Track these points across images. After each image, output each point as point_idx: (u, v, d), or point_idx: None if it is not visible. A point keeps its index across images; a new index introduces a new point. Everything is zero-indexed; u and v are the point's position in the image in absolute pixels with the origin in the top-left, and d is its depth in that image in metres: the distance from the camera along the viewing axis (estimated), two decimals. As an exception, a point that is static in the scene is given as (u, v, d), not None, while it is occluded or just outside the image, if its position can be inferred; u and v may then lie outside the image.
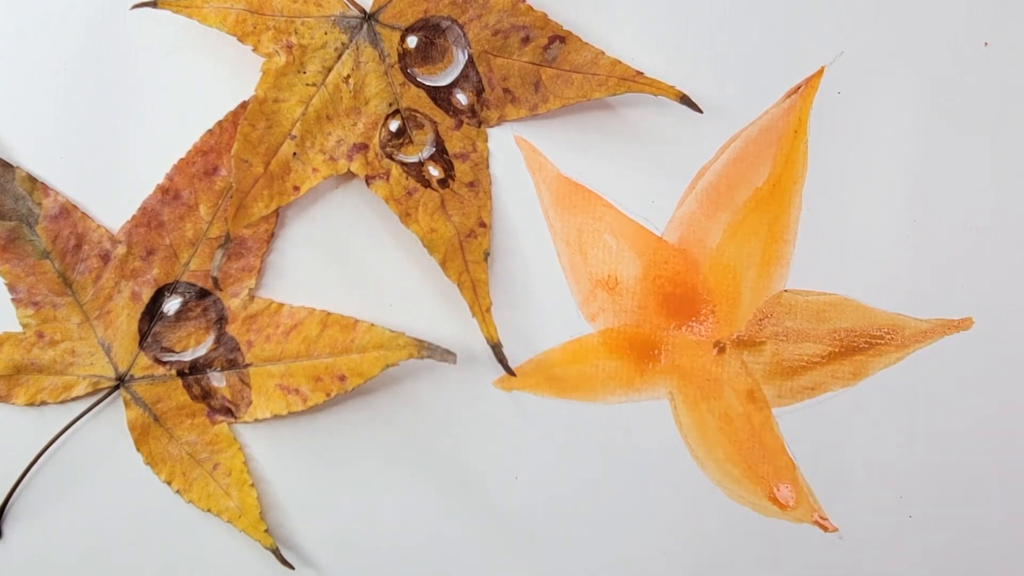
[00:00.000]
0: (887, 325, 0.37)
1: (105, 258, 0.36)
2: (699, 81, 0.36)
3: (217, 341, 0.36)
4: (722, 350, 0.37)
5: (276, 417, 0.36)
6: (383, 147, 0.36)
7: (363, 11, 0.35)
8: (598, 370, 0.37)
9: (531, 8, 0.35)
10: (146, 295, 0.36)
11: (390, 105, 0.36)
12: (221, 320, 0.36)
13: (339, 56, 0.35)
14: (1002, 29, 0.37)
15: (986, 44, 0.37)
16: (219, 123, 0.36)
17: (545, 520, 0.37)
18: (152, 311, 0.36)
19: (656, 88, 0.35)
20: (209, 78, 0.36)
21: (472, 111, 0.36)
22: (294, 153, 0.35)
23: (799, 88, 0.36)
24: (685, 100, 0.36)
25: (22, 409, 0.36)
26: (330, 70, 0.35)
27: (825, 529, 0.37)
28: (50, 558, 0.36)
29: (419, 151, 0.36)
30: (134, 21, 0.36)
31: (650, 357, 0.37)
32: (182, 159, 0.36)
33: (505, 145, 0.37)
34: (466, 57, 0.36)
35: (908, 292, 0.37)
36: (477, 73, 0.36)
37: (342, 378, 0.35)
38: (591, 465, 0.37)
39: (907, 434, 0.37)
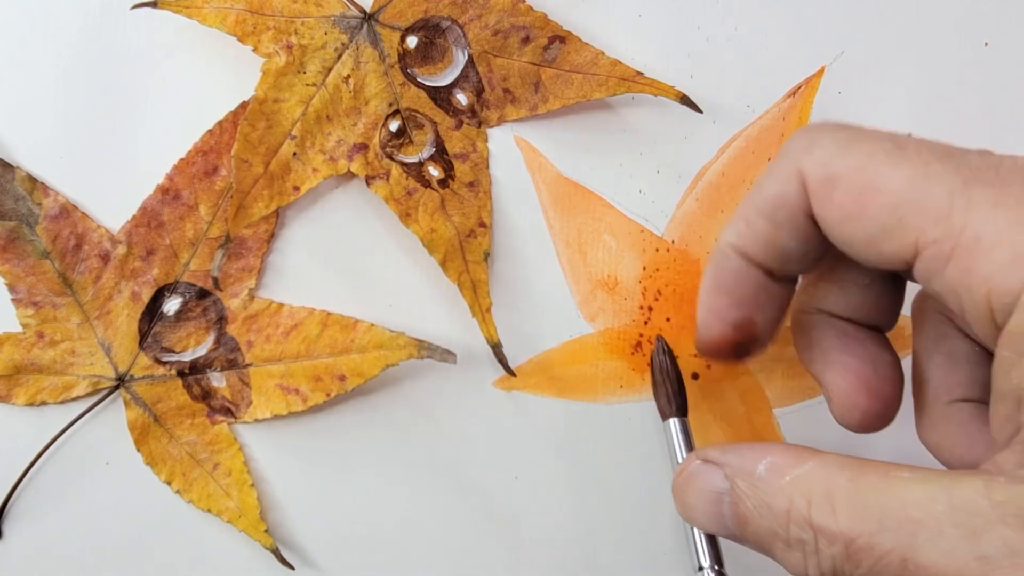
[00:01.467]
0: (887, 325, 0.37)
1: (105, 258, 0.36)
2: (699, 81, 0.36)
3: (217, 341, 0.36)
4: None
5: (276, 417, 0.36)
6: (383, 147, 0.36)
7: (363, 11, 0.35)
8: (598, 370, 0.37)
9: (531, 8, 0.35)
10: (146, 295, 0.36)
11: (390, 105, 0.36)
12: (221, 320, 0.36)
13: (339, 56, 0.35)
14: (1002, 29, 0.37)
15: (986, 44, 0.37)
16: (219, 123, 0.36)
17: (545, 520, 0.37)
18: (152, 311, 0.36)
19: (656, 88, 0.35)
20: (209, 78, 0.36)
21: (472, 111, 0.36)
22: (294, 153, 0.35)
23: (799, 88, 0.36)
24: (685, 100, 0.36)
25: (22, 409, 0.36)
26: (330, 70, 0.35)
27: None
28: (50, 558, 0.36)
29: (419, 151, 0.36)
30: (134, 21, 0.36)
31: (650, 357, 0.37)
32: (182, 159, 0.36)
33: (505, 145, 0.37)
34: (466, 57, 0.36)
35: (908, 292, 0.37)
36: (477, 73, 0.36)
37: (342, 378, 0.35)
38: (591, 465, 0.37)
39: (907, 434, 0.37)
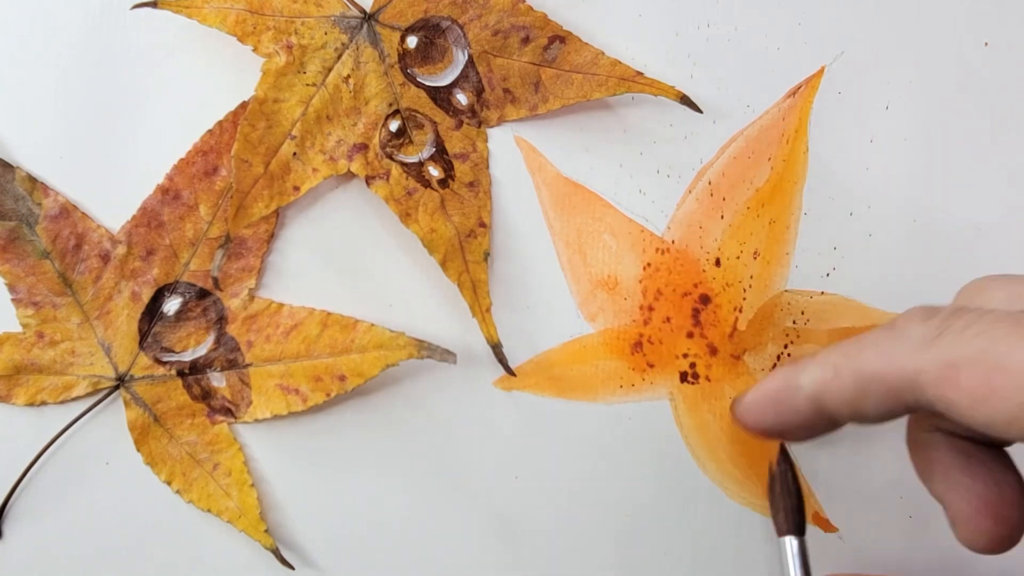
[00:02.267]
0: (887, 325, 0.37)
1: (105, 258, 0.36)
2: (699, 81, 0.36)
3: (217, 341, 0.36)
4: (723, 351, 0.37)
5: (276, 417, 0.36)
6: (383, 147, 0.36)
7: (363, 11, 0.35)
8: (598, 370, 0.37)
9: (531, 8, 0.35)
10: (146, 295, 0.36)
11: (390, 105, 0.36)
12: (221, 320, 0.36)
13: (339, 56, 0.35)
14: (1002, 29, 0.37)
15: (986, 44, 0.37)
16: (219, 123, 0.36)
17: (545, 520, 0.37)
18: (152, 311, 0.36)
19: (656, 88, 0.35)
20: (209, 78, 0.36)
21: (472, 111, 0.36)
22: (294, 153, 0.35)
23: (799, 88, 0.36)
24: (685, 100, 0.36)
25: (22, 409, 0.36)
26: (330, 70, 0.35)
27: (825, 529, 0.37)
28: (50, 558, 0.36)
29: (419, 151, 0.36)
30: (134, 21, 0.36)
31: (650, 357, 0.37)
32: (182, 159, 0.36)
33: (505, 145, 0.37)
34: (466, 57, 0.36)
35: (908, 292, 0.37)
36: (477, 73, 0.36)
37: (342, 378, 0.35)
38: (591, 465, 0.37)
39: (907, 434, 0.37)
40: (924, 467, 0.28)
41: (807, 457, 0.37)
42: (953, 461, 0.27)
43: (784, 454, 0.32)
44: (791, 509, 0.31)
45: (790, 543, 0.30)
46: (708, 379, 0.37)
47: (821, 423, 0.27)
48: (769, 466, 0.32)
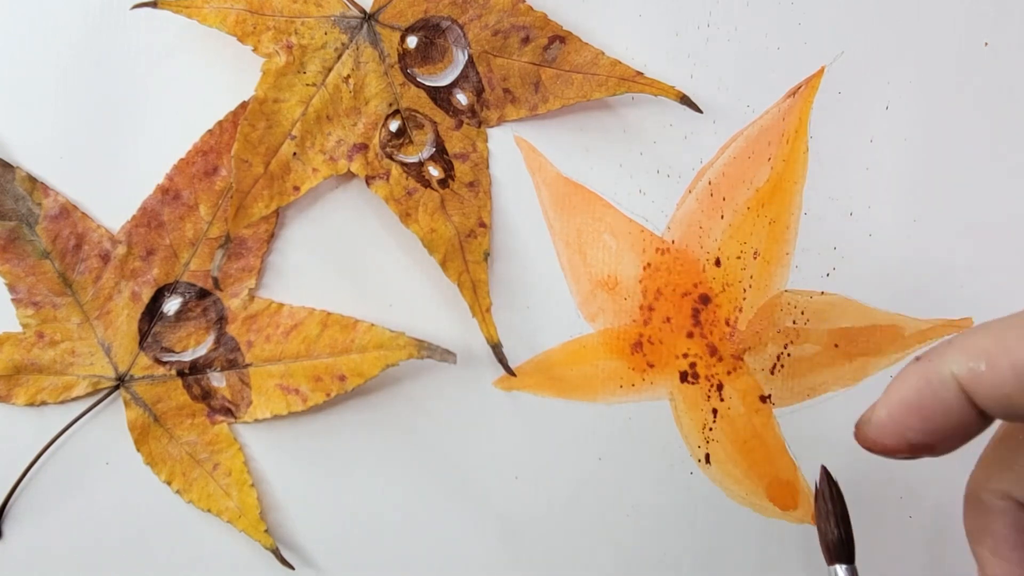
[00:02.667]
0: (887, 325, 0.37)
1: (105, 258, 0.36)
2: (699, 81, 0.36)
3: (217, 341, 0.36)
4: (723, 351, 0.37)
5: (276, 417, 0.36)
6: (383, 147, 0.36)
7: (363, 11, 0.35)
8: (598, 370, 0.37)
9: (531, 8, 0.35)
10: (146, 295, 0.36)
11: (390, 105, 0.36)
12: (221, 320, 0.36)
13: (339, 56, 0.35)
14: (1002, 29, 0.37)
15: (986, 44, 0.37)
16: (219, 123, 0.36)
17: (545, 520, 0.37)
18: (152, 311, 0.36)
19: (656, 88, 0.35)
20: (209, 78, 0.36)
21: (472, 111, 0.36)
22: (294, 153, 0.35)
23: (799, 88, 0.36)
24: (685, 100, 0.36)
25: (22, 409, 0.36)
26: (330, 70, 0.35)
27: (825, 529, 0.37)
28: (50, 558, 0.36)
29: (419, 151, 0.36)
30: (134, 21, 0.36)
31: (650, 357, 0.37)
32: (182, 159, 0.36)
33: (505, 145, 0.37)
34: (466, 57, 0.36)
35: (908, 292, 0.37)
36: (477, 73, 0.36)
37: (342, 378, 0.35)
38: (591, 465, 0.37)
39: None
40: (977, 528, 0.26)
41: (807, 455, 0.37)
42: (1010, 534, 0.25)
43: (828, 478, 0.30)
44: (837, 539, 0.29)
45: (842, 571, 0.29)
46: (708, 379, 0.37)
47: (973, 424, 0.23)
48: (816, 492, 0.30)
